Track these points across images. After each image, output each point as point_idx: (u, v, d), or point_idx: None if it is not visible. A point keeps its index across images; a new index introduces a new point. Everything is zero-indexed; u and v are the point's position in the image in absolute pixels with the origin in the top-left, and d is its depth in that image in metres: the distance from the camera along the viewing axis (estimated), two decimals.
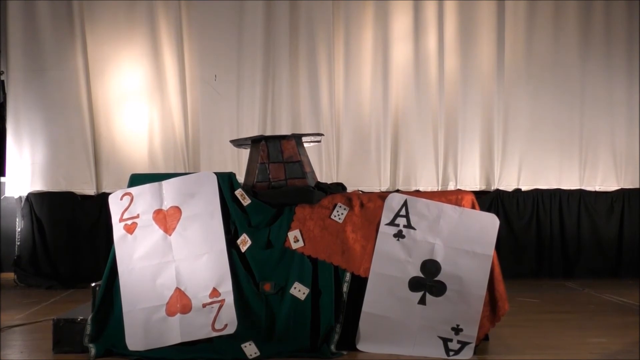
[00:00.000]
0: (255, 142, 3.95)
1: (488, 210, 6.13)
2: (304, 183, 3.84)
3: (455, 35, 6.71)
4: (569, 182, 6.74)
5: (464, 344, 3.64)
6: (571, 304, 5.21)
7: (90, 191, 6.50)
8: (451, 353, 3.64)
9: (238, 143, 4.19)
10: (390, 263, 3.70)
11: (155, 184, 3.77)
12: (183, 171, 6.33)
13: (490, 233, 3.69)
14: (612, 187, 6.75)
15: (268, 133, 6.41)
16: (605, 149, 6.75)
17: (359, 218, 3.77)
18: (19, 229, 6.43)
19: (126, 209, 3.74)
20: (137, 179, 3.84)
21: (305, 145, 4.14)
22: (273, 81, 6.61)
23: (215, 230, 3.70)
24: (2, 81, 6.27)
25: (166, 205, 3.74)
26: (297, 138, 3.96)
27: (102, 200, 6.25)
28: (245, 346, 3.61)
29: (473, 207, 3.76)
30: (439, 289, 3.67)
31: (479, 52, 6.73)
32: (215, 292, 3.66)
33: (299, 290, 3.69)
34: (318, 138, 4.20)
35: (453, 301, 3.66)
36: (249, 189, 3.83)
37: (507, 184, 6.73)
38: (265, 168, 3.86)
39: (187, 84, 6.59)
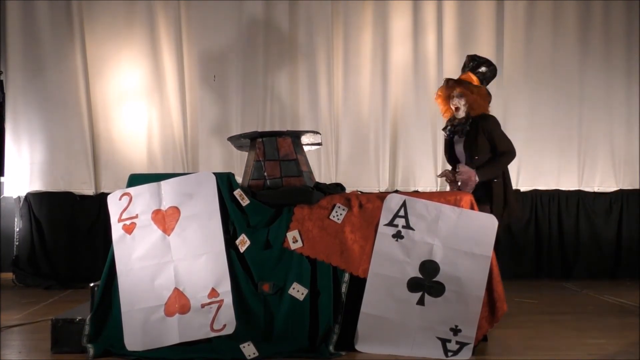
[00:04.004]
0: (252, 141, 3.95)
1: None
2: (300, 181, 3.84)
3: (454, 36, 6.72)
4: (568, 183, 6.75)
5: (462, 345, 3.64)
6: (569, 305, 5.21)
7: (89, 191, 6.50)
8: (450, 354, 3.64)
9: (238, 144, 4.18)
10: (389, 264, 3.70)
11: (154, 184, 3.77)
12: (182, 171, 6.33)
13: (488, 234, 3.69)
14: (611, 188, 6.76)
15: None
16: (604, 150, 6.76)
17: (358, 218, 3.77)
18: (18, 229, 6.43)
19: (125, 209, 3.74)
20: (135, 179, 3.84)
21: (307, 148, 4.14)
22: (272, 81, 6.61)
23: (214, 231, 3.70)
24: (1, 81, 6.28)
25: (165, 205, 3.74)
26: (294, 136, 3.95)
27: (100, 200, 6.25)
28: (244, 346, 3.61)
29: (472, 208, 3.77)
30: (438, 290, 3.68)
31: (477, 53, 6.69)
32: (214, 293, 3.66)
33: (298, 291, 3.69)
34: (319, 139, 4.19)
35: (452, 302, 3.66)
36: (247, 189, 3.83)
37: None
38: (261, 166, 3.85)
39: (186, 84, 6.59)
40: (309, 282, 3.70)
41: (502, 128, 6.61)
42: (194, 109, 6.62)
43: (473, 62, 4.44)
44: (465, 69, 4.49)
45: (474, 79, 4.38)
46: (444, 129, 4.50)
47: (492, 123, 4.36)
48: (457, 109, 4.36)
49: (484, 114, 4.38)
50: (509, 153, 4.30)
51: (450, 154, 4.50)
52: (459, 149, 4.41)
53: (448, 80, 4.38)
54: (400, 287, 3.69)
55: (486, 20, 6.71)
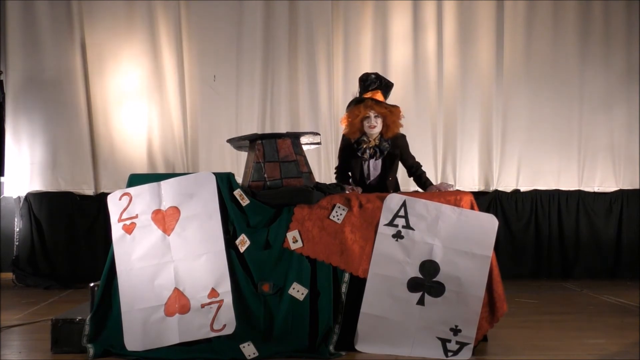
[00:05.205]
0: (251, 142, 3.95)
1: (487, 211, 6.14)
2: (300, 182, 3.83)
3: (454, 36, 6.71)
4: (568, 183, 6.75)
5: (462, 345, 3.65)
6: (569, 305, 5.21)
7: (89, 191, 6.51)
8: (450, 354, 3.64)
9: (237, 145, 4.18)
10: (389, 264, 3.70)
11: (154, 184, 3.77)
12: (182, 171, 6.33)
13: (489, 234, 3.69)
14: (611, 188, 6.76)
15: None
16: (604, 150, 6.76)
17: (358, 219, 3.77)
18: (18, 229, 6.43)
19: (125, 209, 3.74)
20: (135, 179, 3.83)
21: (306, 148, 4.14)
22: (272, 81, 6.61)
23: (214, 231, 3.69)
24: (1, 81, 6.27)
25: (165, 205, 3.74)
26: (293, 137, 3.95)
27: (100, 200, 6.24)
28: (244, 346, 3.62)
29: (472, 208, 3.77)
30: (438, 290, 3.68)
31: (478, 53, 6.73)
32: (213, 293, 3.66)
33: (298, 291, 3.69)
34: (318, 139, 4.20)
35: (452, 302, 3.66)
36: (247, 189, 3.83)
37: (506, 185, 6.74)
38: (260, 167, 3.85)
39: (186, 84, 6.59)
40: (308, 282, 3.70)
41: (502, 128, 6.72)
42: (194, 109, 6.62)
43: (379, 81, 4.40)
44: (372, 86, 4.37)
45: (383, 98, 4.36)
46: (358, 148, 4.40)
47: (406, 141, 4.49)
48: (372, 127, 4.32)
49: (398, 133, 4.43)
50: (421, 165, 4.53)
51: (361, 172, 4.45)
52: (373, 167, 4.42)
53: (367, 100, 4.30)
54: (400, 287, 3.69)
55: (486, 20, 6.71)
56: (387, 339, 3.69)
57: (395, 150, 4.41)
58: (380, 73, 6.52)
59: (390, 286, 3.69)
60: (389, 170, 4.43)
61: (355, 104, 4.34)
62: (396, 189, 4.50)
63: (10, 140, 6.42)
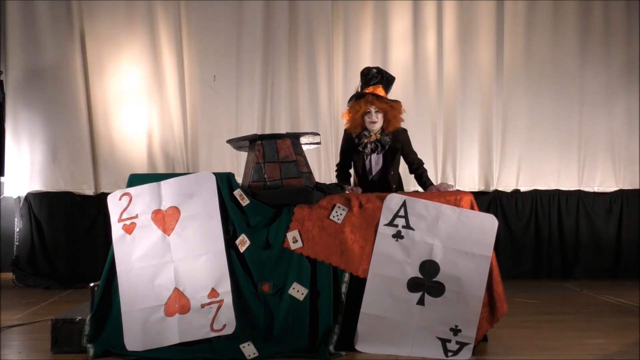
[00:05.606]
0: (251, 142, 3.95)
1: (487, 211, 6.14)
2: (300, 183, 3.83)
3: (454, 36, 6.72)
4: (568, 183, 6.76)
5: (462, 345, 3.65)
6: (569, 305, 5.21)
7: (89, 191, 6.51)
8: (450, 354, 3.64)
9: (237, 145, 4.18)
10: (389, 264, 3.70)
11: (154, 184, 3.77)
12: (182, 171, 6.34)
13: (489, 234, 3.69)
14: (611, 188, 6.77)
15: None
16: (604, 150, 6.77)
17: (358, 219, 3.77)
18: (18, 229, 6.43)
19: (125, 209, 3.74)
20: (136, 179, 3.83)
21: (306, 147, 4.14)
22: (272, 81, 6.62)
23: (214, 231, 3.69)
24: (1, 81, 6.27)
25: (165, 205, 3.74)
26: (293, 137, 3.95)
27: (100, 200, 6.24)
28: (244, 346, 3.62)
29: (472, 208, 3.77)
30: (438, 290, 3.68)
31: (478, 53, 6.73)
32: (213, 293, 3.66)
33: (298, 291, 3.69)
34: (318, 140, 4.20)
35: (452, 302, 3.66)
36: (247, 189, 3.83)
37: (506, 185, 6.74)
38: (260, 168, 3.85)
39: (186, 84, 6.60)
40: (308, 282, 3.70)
41: (502, 128, 6.73)
42: (194, 109, 6.62)
43: (380, 76, 4.37)
44: (373, 80, 4.37)
45: (384, 93, 4.35)
46: (359, 143, 4.40)
47: (407, 136, 4.49)
48: (373, 123, 4.32)
49: (399, 127, 4.43)
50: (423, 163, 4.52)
51: (363, 167, 4.46)
52: (374, 162, 4.43)
53: (368, 95, 4.30)
54: (400, 287, 3.69)
55: (486, 20, 6.72)
56: (387, 339, 3.69)
57: (397, 144, 4.41)
58: None
59: (390, 286, 3.69)
60: (390, 164, 4.43)
61: (356, 99, 4.34)
62: (399, 183, 4.50)
63: (10, 140, 6.42)
